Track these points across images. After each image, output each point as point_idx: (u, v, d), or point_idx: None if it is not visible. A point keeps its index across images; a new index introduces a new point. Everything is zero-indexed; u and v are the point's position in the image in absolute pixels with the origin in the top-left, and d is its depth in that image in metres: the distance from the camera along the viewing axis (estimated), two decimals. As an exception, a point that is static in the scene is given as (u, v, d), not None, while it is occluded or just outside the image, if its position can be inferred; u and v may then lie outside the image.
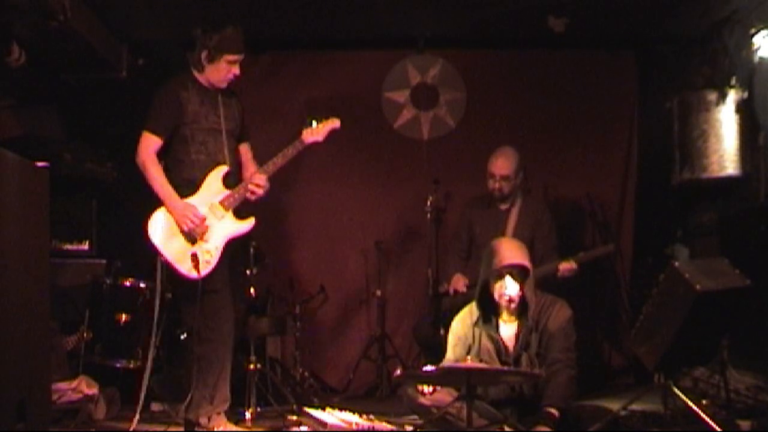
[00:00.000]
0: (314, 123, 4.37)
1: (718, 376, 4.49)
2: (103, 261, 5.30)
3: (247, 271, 4.90)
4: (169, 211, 4.12)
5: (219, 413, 4.23)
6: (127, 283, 4.99)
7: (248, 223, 4.26)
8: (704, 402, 4.33)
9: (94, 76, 5.85)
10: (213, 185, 4.20)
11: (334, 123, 4.40)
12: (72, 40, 5.07)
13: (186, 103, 4.18)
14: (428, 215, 5.65)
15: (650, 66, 6.11)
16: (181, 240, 4.12)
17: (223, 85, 4.29)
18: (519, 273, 4.03)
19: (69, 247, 5.33)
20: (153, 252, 4.14)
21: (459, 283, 5.08)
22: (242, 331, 4.86)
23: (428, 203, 5.65)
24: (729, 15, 5.23)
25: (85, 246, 5.40)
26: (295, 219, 6.07)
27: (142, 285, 4.98)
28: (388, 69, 6.15)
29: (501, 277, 4.02)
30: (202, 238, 4.13)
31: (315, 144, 4.37)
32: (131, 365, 4.89)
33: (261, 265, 5.06)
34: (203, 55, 4.19)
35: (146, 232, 4.11)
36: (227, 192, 4.22)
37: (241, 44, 4.23)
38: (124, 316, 4.94)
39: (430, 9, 5.44)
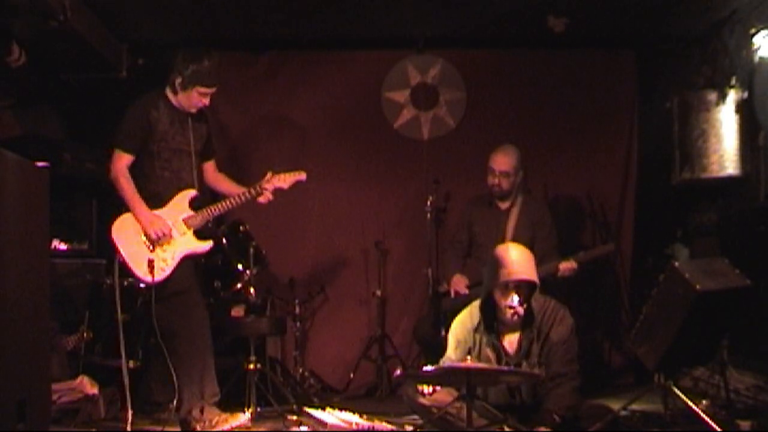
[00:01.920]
0: (281, 174, 4.59)
1: (718, 376, 4.50)
2: (103, 261, 5.30)
3: (247, 271, 4.90)
4: (138, 220, 4.30)
5: (210, 405, 4.31)
6: (126, 284, 4.98)
7: (206, 244, 4.47)
8: (704, 402, 4.33)
9: (94, 76, 5.85)
10: (179, 204, 4.41)
11: (301, 175, 4.63)
12: (72, 40, 5.07)
13: (156, 123, 4.35)
14: (428, 215, 5.66)
15: (650, 66, 6.11)
16: (141, 245, 4.29)
17: (192, 110, 4.46)
18: (526, 288, 3.96)
19: (69, 247, 5.32)
20: (112, 251, 4.30)
21: (460, 284, 5.07)
22: (240, 330, 4.93)
23: (428, 203, 5.65)
24: (729, 15, 5.24)
25: (85, 246, 5.40)
26: (295, 219, 6.06)
27: (141, 285, 4.97)
28: (388, 69, 6.15)
29: (507, 290, 3.94)
30: (161, 247, 4.31)
31: (280, 189, 4.58)
32: (131, 365, 4.88)
33: (261, 265, 5.06)
34: (177, 80, 4.36)
35: (110, 231, 4.28)
36: (192, 213, 4.42)
37: (215, 78, 4.41)
38: (124, 316, 4.93)
39: (430, 9, 5.44)
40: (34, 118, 5.67)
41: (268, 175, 4.56)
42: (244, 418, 4.37)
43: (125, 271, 4.33)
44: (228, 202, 4.51)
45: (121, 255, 4.27)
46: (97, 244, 5.44)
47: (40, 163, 3.46)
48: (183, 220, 4.40)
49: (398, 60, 6.15)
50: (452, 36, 6.01)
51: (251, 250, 4.87)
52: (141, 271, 4.25)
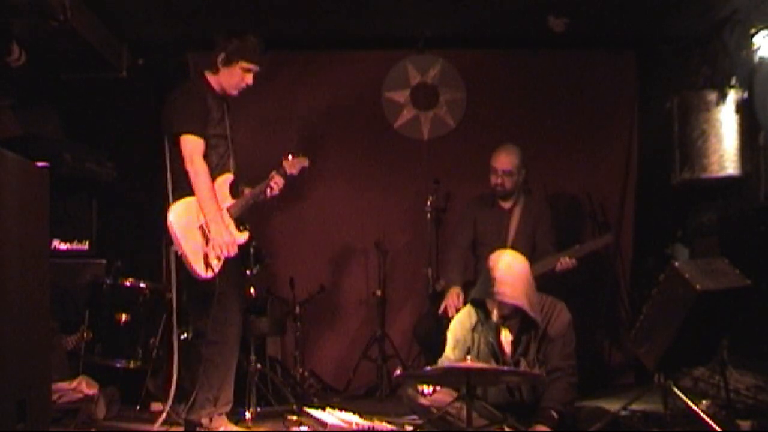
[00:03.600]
0: (290, 156, 4.44)
1: (718, 376, 4.49)
2: (103, 261, 5.30)
3: (247, 271, 4.90)
4: (209, 226, 4.07)
5: (221, 414, 4.24)
6: (127, 283, 4.99)
7: (244, 236, 4.28)
8: (704, 402, 4.32)
9: (94, 76, 5.85)
10: (220, 191, 4.21)
11: (304, 162, 4.47)
12: (72, 40, 5.07)
13: (210, 110, 4.21)
14: (428, 215, 5.67)
15: (650, 66, 6.11)
16: (198, 237, 4.07)
17: (234, 92, 4.31)
18: (512, 307, 3.93)
19: (69, 247, 5.32)
20: (168, 242, 4.06)
21: (451, 306, 4.89)
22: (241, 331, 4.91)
23: (428, 203, 5.66)
24: (729, 15, 5.23)
25: (85, 246, 5.39)
26: (295, 219, 6.07)
27: (142, 285, 4.98)
28: (388, 69, 6.16)
29: (494, 303, 3.93)
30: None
31: (291, 176, 4.43)
32: (131, 365, 4.89)
33: (261, 265, 5.05)
34: (220, 57, 4.20)
35: (167, 220, 4.03)
36: (232, 201, 4.25)
37: (259, 55, 4.25)
38: (124, 316, 4.94)
39: (430, 9, 5.44)
40: (34, 118, 5.67)
41: (288, 160, 4.42)
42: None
43: (184, 265, 4.06)
44: (259, 189, 4.33)
45: (181, 248, 4.01)
46: (97, 244, 5.43)
47: (40, 163, 3.46)
48: (227, 209, 4.22)
49: (398, 60, 6.15)
50: (452, 36, 6.01)
51: (251, 249, 4.87)
52: (200, 266, 4.04)
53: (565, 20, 5.48)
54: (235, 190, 4.30)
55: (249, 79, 4.27)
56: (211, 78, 4.27)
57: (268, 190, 4.34)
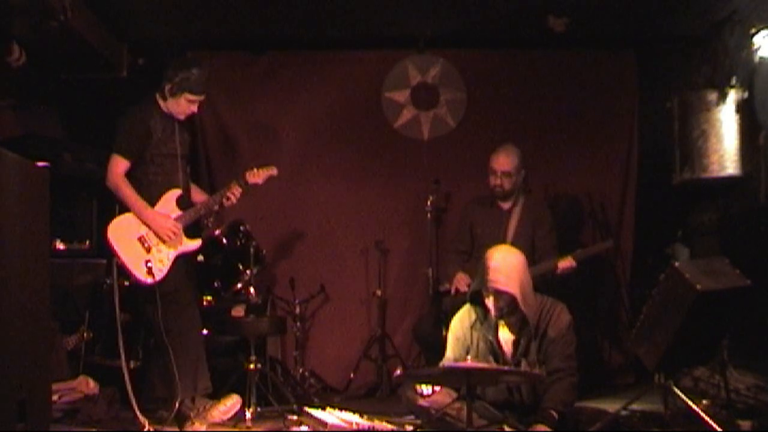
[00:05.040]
0: (255, 169, 4.73)
1: (718, 376, 4.50)
2: (103, 261, 5.29)
3: (247, 271, 4.90)
4: (147, 223, 4.39)
5: (203, 396, 4.45)
6: (127, 283, 4.98)
7: (196, 243, 4.58)
8: (704, 402, 4.33)
9: (94, 76, 5.86)
10: (167, 205, 4.50)
11: (272, 171, 4.78)
12: (72, 40, 5.07)
13: (153, 132, 4.47)
14: (428, 215, 5.67)
15: (651, 66, 6.11)
16: (137, 247, 4.38)
17: (181, 117, 4.58)
18: (507, 296, 3.93)
19: (69, 247, 5.33)
20: (109, 253, 4.37)
21: (461, 282, 5.07)
22: (240, 330, 4.96)
23: (428, 203, 5.66)
24: (729, 15, 5.24)
25: (85, 246, 5.40)
26: (295, 219, 6.07)
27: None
28: (388, 69, 6.15)
29: (488, 294, 3.94)
30: (156, 247, 4.40)
31: (255, 185, 4.72)
32: (131, 365, 4.88)
33: (261, 265, 5.06)
34: (167, 87, 4.48)
35: (106, 234, 4.36)
36: (180, 212, 4.51)
37: (203, 87, 4.54)
38: (124, 316, 4.93)
39: (430, 9, 5.44)
40: (34, 118, 5.67)
41: (251, 171, 4.71)
42: (234, 399, 4.46)
43: (124, 273, 4.39)
44: (213, 200, 4.63)
45: (120, 258, 4.33)
46: (97, 244, 5.43)
47: (40, 163, 3.46)
48: (173, 219, 4.47)
49: (398, 60, 6.15)
50: (452, 36, 6.01)
51: (251, 250, 4.87)
52: (140, 272, 4.32)
53: (566, 20, 5.48)
54: (183, 202, 4.54)
55: (194, 107, 4.57)
56: (161, 102, 4.53)
57: (225, 200, 4.62)
